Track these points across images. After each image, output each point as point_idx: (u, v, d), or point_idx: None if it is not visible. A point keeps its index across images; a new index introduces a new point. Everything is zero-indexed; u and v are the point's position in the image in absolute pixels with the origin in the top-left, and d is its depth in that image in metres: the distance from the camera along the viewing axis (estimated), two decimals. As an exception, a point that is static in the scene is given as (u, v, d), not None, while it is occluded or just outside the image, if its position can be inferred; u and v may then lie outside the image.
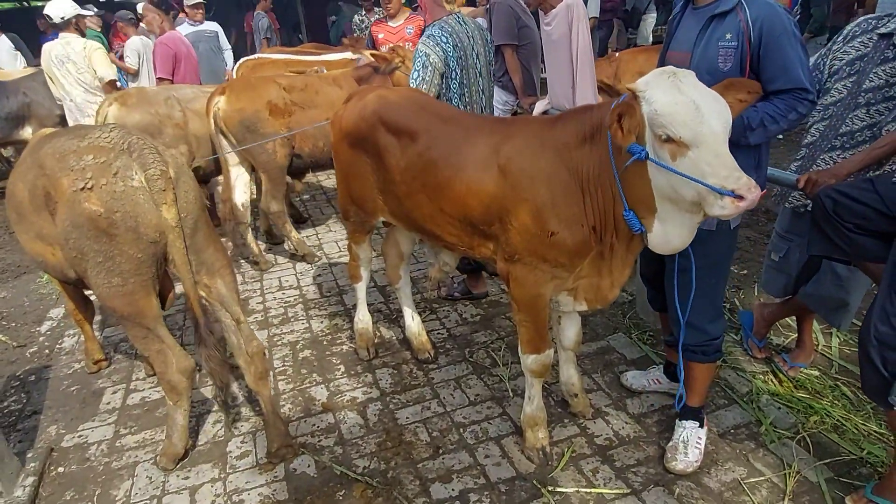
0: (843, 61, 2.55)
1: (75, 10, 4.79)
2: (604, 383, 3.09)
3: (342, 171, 2.94)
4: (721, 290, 2.45)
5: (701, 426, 2.55)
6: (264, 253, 4.88)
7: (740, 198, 1.69)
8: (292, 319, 3.97)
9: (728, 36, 2.09)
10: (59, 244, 2.37)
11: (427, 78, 3.09)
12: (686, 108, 1.77)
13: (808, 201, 2.71)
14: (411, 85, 3.13)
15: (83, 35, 4.90)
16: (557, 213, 2.15)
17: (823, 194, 2.18)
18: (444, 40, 3.20)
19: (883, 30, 2.44)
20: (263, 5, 6.81)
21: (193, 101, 4.49)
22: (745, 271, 4.19)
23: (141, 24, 6.74)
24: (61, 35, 4.79)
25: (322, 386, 3.24)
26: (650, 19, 10.28)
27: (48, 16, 4.71)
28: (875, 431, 2.61)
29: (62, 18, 4.70)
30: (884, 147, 2.30)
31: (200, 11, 6.13)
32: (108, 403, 3.22)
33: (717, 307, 2.44)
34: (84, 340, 3.50)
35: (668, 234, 2.00)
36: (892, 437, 2.40)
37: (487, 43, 3.42)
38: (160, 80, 5.58)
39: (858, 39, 2.52)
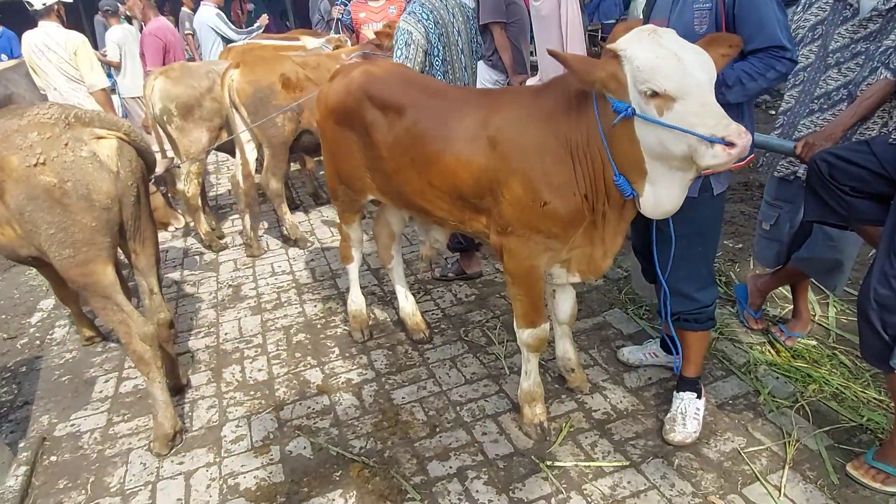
0: (805, 28, 2.66)
1: None
2: (601, 358, 3.07)
3: (329, 149, 2.89)
4: (709, 258, 2.42)
5: (699, 397, 2.53)
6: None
7: (731, 144, 1.65)
8: (286, 304, 3.93)
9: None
10: (10, 223, 2.39)
11: (410, 56, 3.05)
12: (668, 60, 1.73)
13: (797, 168, 2.70)
14: (397, 59, 3.09)
15: (63, 23, 4.78)
16: (549, 183, 2.11)
17: (819, 158, 2.14)
18: (426, 17, 3.19)
19: None
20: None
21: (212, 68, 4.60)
22: (740, 245, 4.17)
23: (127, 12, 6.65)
24: (41, 23, 4.67)
25: (317, 369, 3.21)
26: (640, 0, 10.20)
27: (29, 2, 4.60)
28: (874, 398, 2.59)
29: (44, 5, 4.60)
30: (871, 98, 2.32)
31: None
32: (101, 392, 3.18)
33: (706, 275, 2.40)
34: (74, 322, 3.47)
35: (659, 196, 1.96)
36: (892, 404, 2.38)
37: (469, 20, 3.38)
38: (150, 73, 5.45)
39: (815, 6, 2.63)
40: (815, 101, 2.61)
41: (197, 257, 4.79)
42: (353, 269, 3.34)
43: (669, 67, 1.73)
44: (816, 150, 2.21)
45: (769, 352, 2.97)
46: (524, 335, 2.46)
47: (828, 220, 2.23)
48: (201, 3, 6.66)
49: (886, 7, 2.37)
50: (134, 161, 2.50)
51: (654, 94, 1.76)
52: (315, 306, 3.86)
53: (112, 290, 2.46)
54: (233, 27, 6.67)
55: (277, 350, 3.42)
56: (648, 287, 3.50)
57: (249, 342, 3.53)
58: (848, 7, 2.49)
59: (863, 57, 2.46)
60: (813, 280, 2.96)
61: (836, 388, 2.66)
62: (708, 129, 1.69)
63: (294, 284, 4.19)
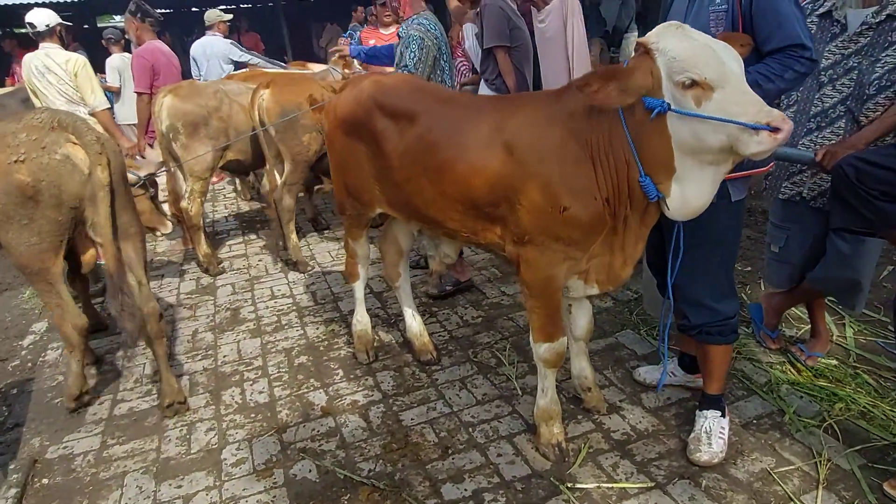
0: None
1: (58, 18, 4.69)
2: (616, 379, 2.97)
3: (337, 161, 2.83)
4: (729, 268, 2.36)
5: (723, 416, 2.43)
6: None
7: (776, 129, 1.62)
8: (286, 327, 3.82)
9: (718, 0, 2.04)
10: None
11: (423, 57, 3.12)
12: (704, 50, 1.72)
13: (801, 189, 2.66)
14: (407, 63, 3.14)
15: (64, 44, 4.76)
16: (569, 187, 2.05)
17: (845, 163, 2.10)
18: (433, 28, 3.30)
19: (821, 10, 2.52)
20: (222, 28, 6.70)
21: (240, 95, 4.66)
22: (749, 268, 4.12)
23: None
24: (42, 45, 4.64)
25: (321, 391, 3.08)
26: (632, 38, 10.37)
27: (31, 24, 4.58)
28: (903, 416, 2.50)
29: (47, 26, 4.58)
30: (893, 120, 2.28)
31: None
32: (95, 414, 3.04)
33: (727, 286, 2.34)
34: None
35: (688, 194, 1.91)
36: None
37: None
38: (138, 94, 5.35)
39: None
40: (812, 119, 2.57)
41: (193, 282, 4.68)
42: (359, 287, 3.25)
43: (707, 56, 1.71)
44: (839, 157, 2.18)
45: (790, 371, 2.88)
46: (541, 350, 2.36)
47: (855, 226, 2.17)
48: (206, 33, 6.67)
49: (877, 20, 2.35)
50: (108, 166, 2.67)
51: (693, 84, 1.73)
52: (317, 328, 3.75)
53: (57, 278, 2.74)
54: (245, 50, 6.68)
55: (279, 372, 3.30)
56: (661, 305, 3.44)
57: (249, 364, 3.41)
58: (835, 24, 2.47)
59: (857, 72, 2.42)
60: (829, 300, 2.90)
61: (864, 407, 2.57)
62: (751, 116, 1.66)
63: (294, 307, 4.08)
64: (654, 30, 1.83)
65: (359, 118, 2.61)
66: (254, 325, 3.89)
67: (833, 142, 2.45)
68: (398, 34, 3.53)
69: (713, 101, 1.73)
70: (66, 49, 4.82)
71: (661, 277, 2.66)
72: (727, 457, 2.37)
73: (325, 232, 5.57)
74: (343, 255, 4.16)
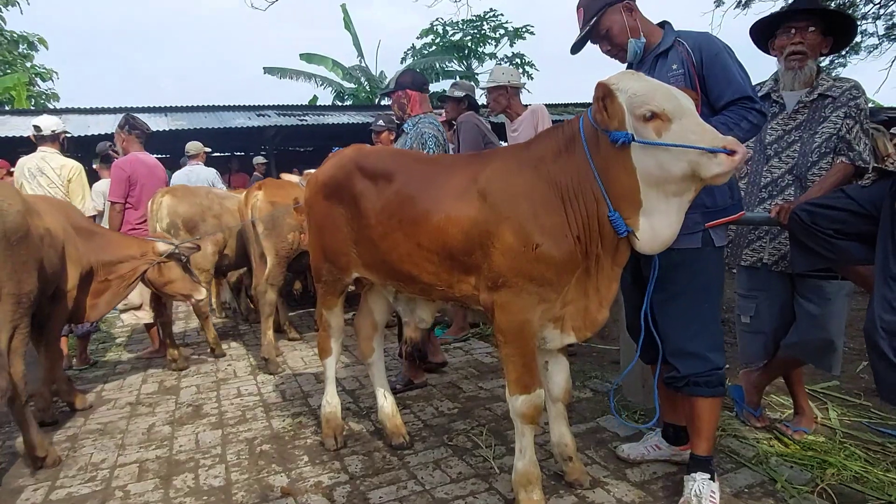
0: None
1: (62, 126, 4.95)
2: (599, 458, 2.81)
3: (316, 226, 2.89)
4: (716, 317, 2.37)
5: (712, 479, 2.29)
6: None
7: (732, 152, 1.74)
8: (250, 420, 3.60)
9: (674, 66, 2.29)
10: None
11: (438, 152, 3.40)
12: (659, 87, 1.90)
13: (761, 255, 2.78)
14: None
15: (63, 150, 4.97)
16: (540, 225, 2.12)
17: (798, 209, 2.23)
18: (440, 129, 3.60)
19: (761, 93, 2.82)
20: (203, 157, 7.23)
21: (226, 199, 5.27)
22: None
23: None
24: (40, 148, 4.82)
25: (282, 475, 2.84)
26: None
27: (37, 126, 4.81)
28: (898, 481, 2.38)
29: (52, 132, 4.82)
30: (834, 176, 2.53)
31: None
32: (28, 500, 2.73)
33: (715, 335, 2.33)
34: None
35: (656, 226, 1.98)
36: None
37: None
38: (112, 202, 5.13)
39: None
40: (764, 189, 2.78)
41: (156, 384, 4.46)
42: (331, 364, 3.14)
43: (663, 92, 1.89)
44: (790, 207, 2.31)
45: (778, 445, 2.77)
46: (518, 403, 2.26)
47: (816, 267, 2.24)
48: (188, 163, 6.95)
49: (809, 99, 2.68)
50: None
51: (653, 116, 1.88)
52: (283, 420, 3.54)
53: None
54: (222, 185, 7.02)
55: (238, 459, 3.05)
56: (642, 392, 3.36)
57: (207, 452, 3.16)
58: (774, 104, 2.78)
59: (799, 144, 2.69)
60: (807, 368, 2.88)
61: (857, 473, 2.44)
62: (708, 141, 1.80)
63: (261, 403, 3.88)
64: (612, 76, 2.03)
65: (339, 181, 2.72)
66: (216, 418, 3.66)
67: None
68: (404, 128, 3.75)
69: (672, 132, 1.88)
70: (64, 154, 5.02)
71: (642, 343, 2.65)
72: (721, 523, 2.19)
73: (297, 341, 5.47)
74: (316, 360, 4.09)
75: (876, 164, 2.11)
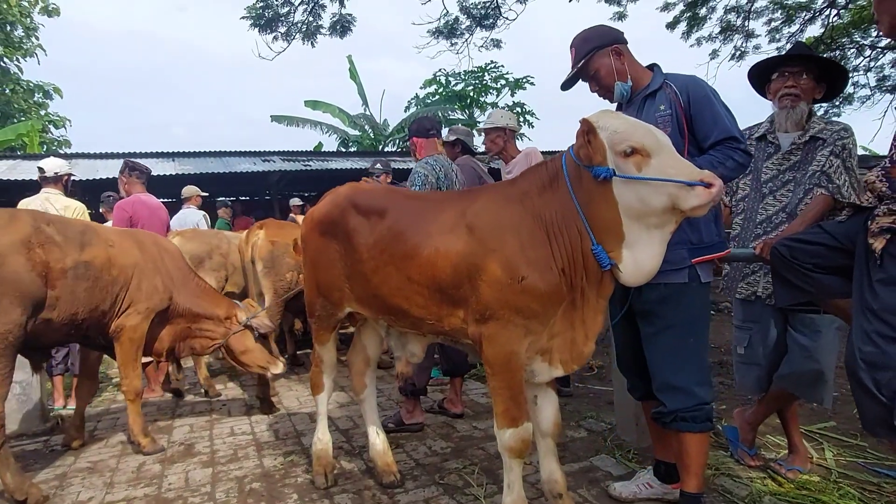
0: None
1: (68, 168, 5.07)
2: (591, 496, 2.77)
3: (310, 261, 2.94)
4: (703, 352, 2.38)
5: (703, 516, 2.26)
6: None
7: (709, 185, 1.80)
8: (242, 458, 3.57)
9: (662, 107, 2.38)
10: None
11: (422, 188, 3.43)
12: (638, 125, 1.98)
13: (755, 288, 2.82)
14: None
15: (66, 192, 5.07)
16: (526, 258, 2.16)
17: (779, 244, 2.28)
18: (437, 168, 3.68)
19: (757, 134, 2.96)
20: (196, 200, 7.41)
21: (232, 238, 5.62)
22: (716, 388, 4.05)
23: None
24: (44, 190, 4.93)
25: (270, 512, 2.81)
26: None
27: (41, 168, 4.93)
28: (894, 520, 2.34)
29: (56, 173, 4.94)
30: (813, 210, 2.61)
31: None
32: (9, 538, 2.70)
33: (702, 370, 2.34)
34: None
35: (639, 258, 2.03)
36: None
37: (462, 182, 3.84)
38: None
39: None
40: (759, 225, 2.87)
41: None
42: (323, 400, 3.14)
43: (642, 129, 1.97)
44: (772, 243, 2.36)
45: (771, 484, 2.73)
46: (505, 436, 2.26)
47: (798, 300, 2.27)
48: (182, 206, 7.11)
49: (802, 140, 2.79)
50: None
51: (633, 152, 1.95)
52: (275, 459, 3.51)
53: None
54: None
55: (227, 497, 3.02)
56: (636, 431, 3.34)
57: (196, 491, 3.12)
58: (770, 144, 2.90)
59: (793, 184, 2.80)
60: (804, 410, 2.87)
61: (851, 512, 2.41)
62: (686, 175, 1.87)
63: (254, 442, 3.85)
64: (593, 114, 2.12)
65: (334, 218, 2.79)
66: (207, 457, 3.63)
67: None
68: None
69: (651, 166, 1.95)
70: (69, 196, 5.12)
71: (633, 378, 2.67)
72: (713, 562, 2.15)
73: (294, 376, 5.46)
74: (310, 399, 4.08)
75: (851, 201, 2.17)
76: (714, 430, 2.43)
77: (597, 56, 2.46)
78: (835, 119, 3.22)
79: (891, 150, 1.99)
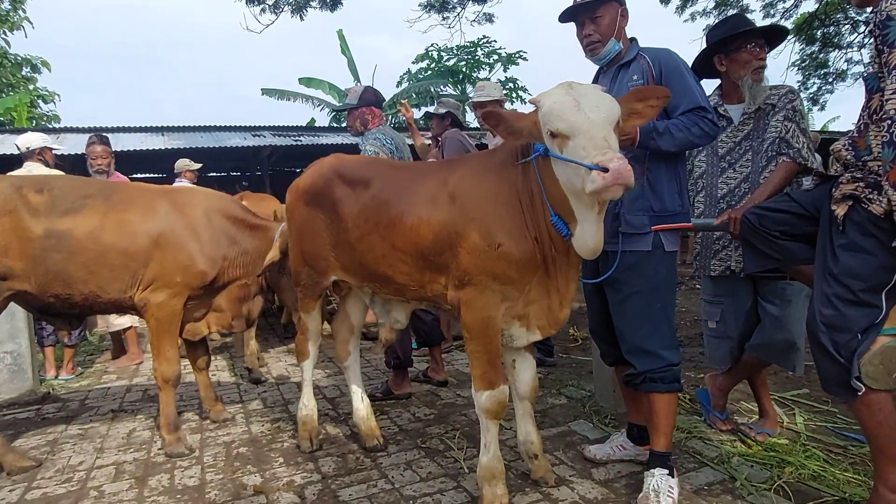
0: None
1: (43, 142, 5.05)
2: (567, 458, 2.86)
3: (296, 231, 2.98)
4: (669, 316, 2.45)
5: (671, 474, 2.35)
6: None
7: (605, 169, 1.76)
8: (230, 425, 3.64)
9: (635, 77, 2.41)
10: None
11: None
12: (565, 104, 1.96)
13: (729, 263, 2.87)
14: None
15: (47, 166, 5.07)
16: (503, 226, 2.22)
17: (748, 213, 2.33)
18: (388, 142, 3.68)
19: None
20: (189, 176, 7.33)
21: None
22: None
23: None
24: (25, 164, 4.95)
25: (256, 475, 2.89)
26: None
27: (16, 145, 4.99)
28: (854, 479, 2.44)
29: (27, 148, 4.94)
30: (778, 176, 2.66)
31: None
32: (3, 499, 2.77)
33: (669, 335, 2.42)
34: None
35: (584, 234, 2.07)
36: (871, 483, 2.24)
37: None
38: None
39: None
40: (722, 200, 2.88)
41: (140, 392, 4.51)
42: (308, 367, 3.21)
43: (564, 110, 1.95)
44: (740, 213, 2.41)
45: (741, 446, 2.83)
46: (482, 398, 2.33)
47: (765, 267, 2.34)
48: (175, 179, 7.11)
49: (752, 109, 2.82)
50: None
51: (554, 134, 1.98)
52: (262, 426, 3.59)
53: None
54: None
55: (214, 461, 3.10)
56: (613, 398, 3.43)
57: (183, 456, 3.20)
58: (722, 118, 2.91)
59: (751, 153, 2.83)
60: (778, 378, 2.95)
61: (814, 471, 2.50)
62: (590, 158, 1.84)
63: (242, 410, 3.93)
64: (547, 90, 2.13)
65: (319, 188, 2.82)
66: (196, 424, 3.71)
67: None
68: (358, 146, 3.90)
69: (569, 147, 1.95)
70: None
71: (604, 345, 2.74)
72: (678, 517, 2.25)
73: (282, 347, 5.53)
74: (298, 370, 4.16)
75: (818, 169, 2.22)
76: (683, 391, 2.50)
77: (610, 3, 2.45)
78: (829, 101, 3.24)
79: (859, 120, 2.03)
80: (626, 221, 2.37)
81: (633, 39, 2.57)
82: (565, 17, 2.54)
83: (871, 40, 1.81)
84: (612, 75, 2.51)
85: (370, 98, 3.88)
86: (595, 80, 2.65)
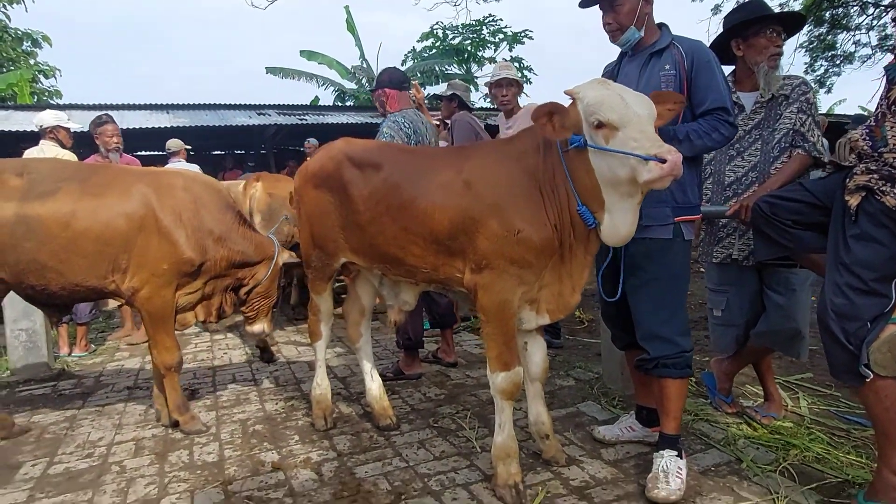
0: None
1: (56, 120, 5.08)
2: (576, 439, 2.93)
3: (306, 213, 3.01)
4: (684, 304, 2.50)
5: (679, 456, 2.41)
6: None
7: (663, 161, 1.83)
8: (244, 402, 3.72)
9: (667, 66, 2.42)
10: None
11: None
12: (612, 97, 2.01)
13: (731, 251, 2.90)
14: None
15: (61, 145, 5.10)
16: (521, 213, 2.25)
17: (761, 201, 2.37)
18: (406, 126, 3.64)
19: None
20: (184, 154, 7.33)
21: (232, 187, 5.28)
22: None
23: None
24: (41, 142, 5.01)
25: (273, 451, 2.97)
26: None
27: (34, 124, 5.03)
28: (857, 461, 2.50)
29: (40, 127, 4.99)
30: (791, 167, 2.69)
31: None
32: (26, 474, 2.85)
33: (683, 321, 2.46)
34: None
35: (616, 222, 2.12)
36: (874, 465, 2.31)
37: (433, 135, 3.86)
38: None
39: None
40: (729, 188, 2.91)
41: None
42: (321, 347, 3.27)
43: (613, 102, 2.01)
44: (751, 201, 2.45)
45: (746, 428, 2.89)
46: (498, 379, 2.39)
47: (776, 254, 2.37)
48: (170, 160, 7.09)
49: (765, 99, 2.83)
50: None
51: (601, 125, 2.01)
52: (276, 404, 3.67)
53: None
54: None
55: (231, 438, 3.17)
56: (621, 380, 3.49)
57: (202, 432, 3.28)
58: (734, 105, 2.85)
59: (760, 142, 2.84)
60: (783, 361, 3.01)
61: (818, 454, 2.57)
62: (644, 150, 1.90)
63: (255, 388, 4.01)
64: (579, 84, 2.16)
65: (328, 171, 2.85)
66: (211, 401, 3.78)
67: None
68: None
69: (617, 139, 1.99)
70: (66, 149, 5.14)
71: (616, 329, 2.79)
72: (686, 497, 2.32)
73: (291, 328, 5.60)
74: (309, 350, 4.23)
75: (832, 159, 2.25)
76: (693, 377, 2.56)
77: None
78: (837, 83, 3.24)
79: (876, 109, 2.06)
80: (648, 215, 2.37)
81: (662, 25, 2.55)
82: (586, 2, 2.54)
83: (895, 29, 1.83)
84: (643, 62, 2.49)
85: (384, 80, 3.87)
86: (617, 65, 2.66)
